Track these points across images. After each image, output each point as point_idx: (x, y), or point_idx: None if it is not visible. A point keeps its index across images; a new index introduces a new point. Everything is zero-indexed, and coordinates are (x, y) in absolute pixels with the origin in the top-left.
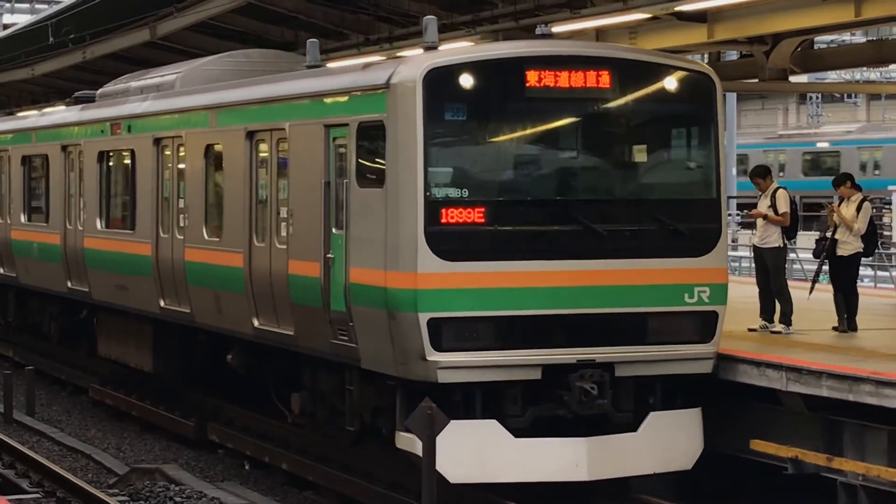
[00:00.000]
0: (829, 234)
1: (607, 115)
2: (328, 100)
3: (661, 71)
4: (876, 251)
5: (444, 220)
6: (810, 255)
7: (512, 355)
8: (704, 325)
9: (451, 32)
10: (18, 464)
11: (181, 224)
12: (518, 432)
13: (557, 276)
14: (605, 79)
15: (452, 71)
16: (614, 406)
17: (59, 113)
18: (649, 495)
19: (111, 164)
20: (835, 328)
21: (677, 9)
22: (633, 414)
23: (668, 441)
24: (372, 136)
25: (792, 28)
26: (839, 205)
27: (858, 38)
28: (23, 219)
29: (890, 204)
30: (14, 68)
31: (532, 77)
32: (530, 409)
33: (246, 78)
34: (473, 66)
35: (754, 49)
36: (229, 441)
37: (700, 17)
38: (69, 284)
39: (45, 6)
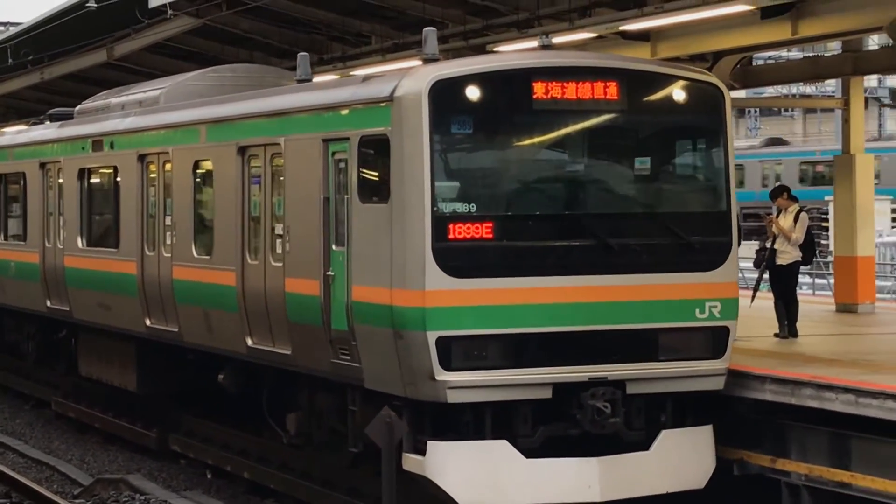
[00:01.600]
0: (768, 245)
1: (616, 126)
2: (327, 113)
3: (670, 81)
4: (814, 259)
5: (451, 236)
6: (751, 265)
7: (522, 374)
8: (716, 341)
9: (403, 52)
10: None
11: (168, 242)
12: (529, 452)
13: (567, 292)
14: (613, 90)
15: (458, 83)
16: (626, 424)
17: (36, 130)
18: None
19: (93, 181)
20: (776, 335)
21: (622, 28)
22: (645, 432)
23: (680, 459)
24: (375, 150)
25: (732, 46)
26: (777, 216)
27: (795, 53)
28: None
29: (827, 214)
30: None
31: (539, 89)
32: (541, 428)
33: (231, 93)
34: (480, 78)
35: (696, 66)
36: (191, 451)
37: (644, 37)
38: (48, 303)
39: (2, 28)
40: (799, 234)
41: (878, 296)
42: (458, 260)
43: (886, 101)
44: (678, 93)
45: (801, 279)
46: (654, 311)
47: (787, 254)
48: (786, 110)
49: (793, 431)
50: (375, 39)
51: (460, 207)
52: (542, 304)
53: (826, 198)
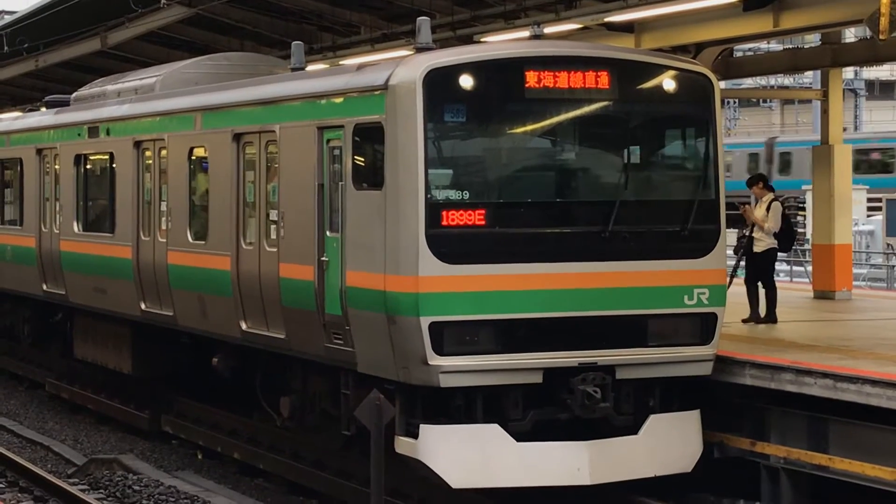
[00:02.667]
0: (746, 233)
1: (606, 115)
2: (322, 101)
3: (660, 71)
4: (793, 247)
5: (444, 223)
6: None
7: (513, 359)
8: (704, 327)
9: (392, 42)
10: None
11: (164, 227)
12: (519, 436)
13: (558, 278)
14: (604, 79)
15: (452, 72)
16: (615, 409)
17: (33, 116)
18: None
19: (89, 167)
20: (744, 320)
21: (607, 20)
22: (633, 417)
23: (668, 443)
24: (369, 138)
25: (715, 37)
26: (755, 205)
27: (774, 45)
28: None
29: (804, 203)
30: None
31: (531, 78)
32: (531, 412)
33: (226, 81)
34: (473, 67)
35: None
36: (182, 432)
37: (628, 28)
38: (44, 287)
39: None
40: (772, 224)
41: (854, 283)
42: (450, 246)
43: (862, 92)
44: (668, 82)
45: (779, 266)
46: (644, 297)
47: (763, 241)
48: (764, 101)
49: (772, 415)
50: (364, 29)
51: (453, 194)
52: (533, 290)
53: (803, 187)
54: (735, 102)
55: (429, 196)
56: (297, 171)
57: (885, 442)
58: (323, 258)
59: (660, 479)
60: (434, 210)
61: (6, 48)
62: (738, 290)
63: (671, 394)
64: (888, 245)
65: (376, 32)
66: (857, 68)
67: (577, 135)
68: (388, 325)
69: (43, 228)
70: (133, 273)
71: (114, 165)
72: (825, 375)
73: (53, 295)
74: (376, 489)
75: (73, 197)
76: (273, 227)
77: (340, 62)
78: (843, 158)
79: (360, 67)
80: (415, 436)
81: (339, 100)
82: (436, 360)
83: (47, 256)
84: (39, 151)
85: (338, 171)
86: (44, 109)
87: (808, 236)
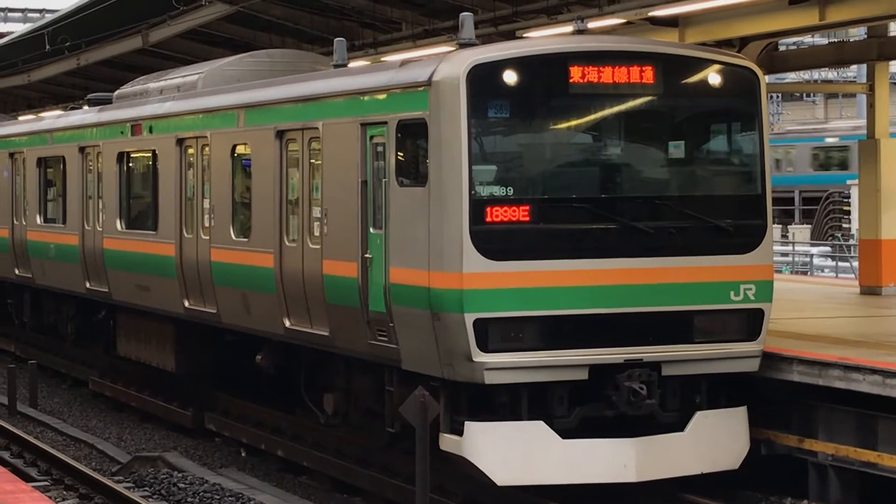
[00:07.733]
0: None
1: (652, 110)
2: (365, 98)
3: (706, 65)
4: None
5: (488, 219)
6: None
7: (559, 355)
8: (750, 323)
9: (434, 38)
10: (26, 453)
11: (207, 224)
12: (565, 433)
13: (603, 274)
14: (649, 74)
15: (496, 67)
16: (661, 406)
17: (75, 115)
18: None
19: (131, 164)
20: None
21: (650, 14)
22: (679, 413)
23: (715, 440)
24: (413, 135)
25: (759, 31)
26: None
27: (818, 39)
28: (38, 220)
29: (849, 198)
30: (11, 75)
31: (576, 73)
32: (577, 409)
33: (268, 78)
34: (517, 63)
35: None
36: (226, 429)
37: (672, 22)
38: (88, 285)
39: (38, 14)
40: None
41: None
42: (495, 242)
43: None
44: (714, 77)
45: (824, 262)
46: (690, 293)
47: None
48: (807, 95)
49: (820, 412)
50: (406, 26)
51: (497, 191)
52: (578, 287)
53: (848, 181)
54: (778, 97)
55: (473, 192)
56: (340, 167)
57: None
58: (367, 255)
59: (706, 476)
60: (478, 206)
61: (48, 47)
62: (783, 286)
63: (718, 390)
64: None
65: (418, 28)
66: None
67: (622, 130)
68: (432, 321)
69: (86, 226)
70: (176, 270)
71: (156, 163)
72: (874, 372)
73: (96, 293)
74: (422, 486)
75: (116, 195)
76: (316, 224)
77: (382, 59)
78: (890, 152)
79: (404, 63)
80: (460, 433)
81: (382, 96)
82: (480, 357)
83: (90, 254)
84: (82, 149)
85: (381, 167)
86: (86, 108)
87: (854, 231)
